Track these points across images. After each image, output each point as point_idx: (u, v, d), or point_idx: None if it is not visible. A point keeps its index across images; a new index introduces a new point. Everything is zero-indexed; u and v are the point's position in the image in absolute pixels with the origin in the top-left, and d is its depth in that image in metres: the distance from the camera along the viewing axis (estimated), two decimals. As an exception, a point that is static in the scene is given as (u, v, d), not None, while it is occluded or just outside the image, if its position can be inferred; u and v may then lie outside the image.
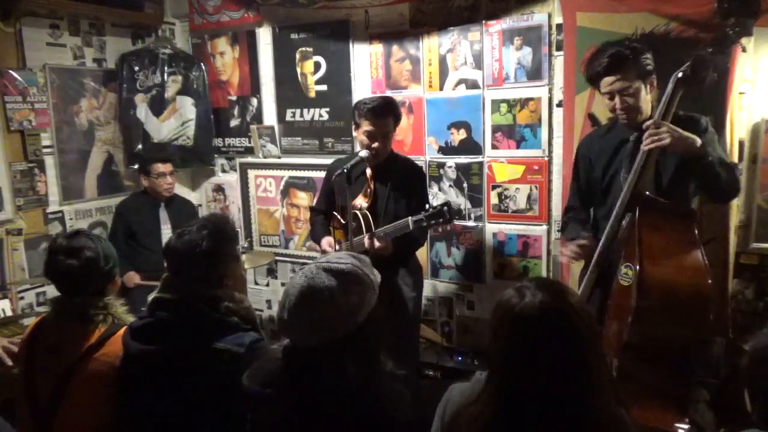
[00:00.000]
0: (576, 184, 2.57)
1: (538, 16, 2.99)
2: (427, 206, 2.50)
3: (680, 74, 2.04)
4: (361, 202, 2.73)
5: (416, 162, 3.01)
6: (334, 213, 2.86)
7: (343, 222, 2.77)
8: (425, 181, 2.92)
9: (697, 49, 2.05)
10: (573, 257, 2.40)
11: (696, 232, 2.07)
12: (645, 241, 2.01)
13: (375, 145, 2.65)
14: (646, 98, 2.21)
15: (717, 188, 2.12)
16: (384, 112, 2.66)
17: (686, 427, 1.91)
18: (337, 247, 2.79)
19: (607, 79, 2.17)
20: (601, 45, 2.24)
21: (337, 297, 1.28)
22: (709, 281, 1.97)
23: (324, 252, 2.80)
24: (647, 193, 2.12)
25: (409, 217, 2.52)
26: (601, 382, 1.18)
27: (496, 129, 3.19)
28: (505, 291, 1.25)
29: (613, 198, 2.29)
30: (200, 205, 4.25)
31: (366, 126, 2.66)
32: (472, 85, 3.21)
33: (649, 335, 1.97)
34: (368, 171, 2.75)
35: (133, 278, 3.40)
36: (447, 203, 2.47)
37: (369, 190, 2.75)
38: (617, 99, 2.17)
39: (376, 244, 2.56)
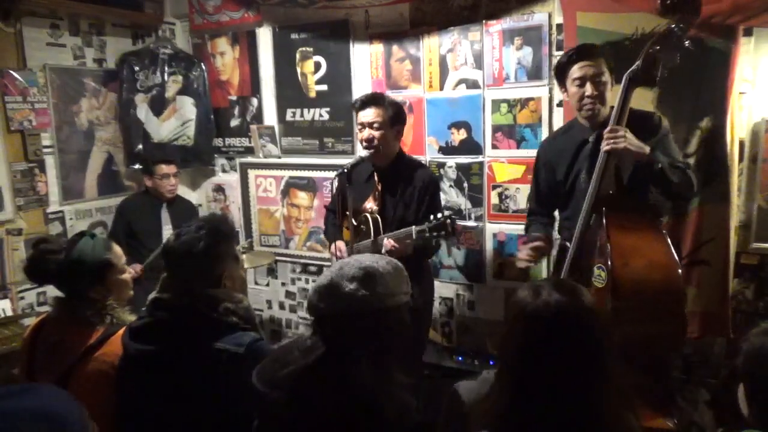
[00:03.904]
0: (536, 188, 2.59)
1: (538, 16, 2.99)
2: (431, 216, 2.45)
3: (631, 74, 2.08)
4: (371, 205, 2.73)
5: (426, 166, 3.00)
6: (347, 213, 2.86)
7: (355, 223, 2.79)
8: (437, 189, 2.86)
9: (645, 48, 2.07)
10: (528, 260, 2.41)
11: (661, 227, 2.10)
12: (614, 241, 2.00)
13: (364, 135, 2.66)
14: (610, 94, 2.24)
15: (669, 191, 2.17)
16: (369, 102, 2.69)
17: (673, 422, 1.91)
18: (343, 248, 2.79)
19: (580, 64, 2.22)
20: (601, 45, 2.25)
21: (386, 270, 1.39)
22: (680, 273, 1.99)
23: (332, 255, 2.84)
24: (611, 191, 2.12)
25: (413, 227, 2.50)
26: (611, 385, 1.17)
27: (496, 129, 3.19)
28: (520, 289, 1.24)
29: (576, 200, 2.30)
30: (200, 205, 4.24)
31: (358, 119, 2.70)
32: (473, 85, 3.21)
33: (626, 335, 1.93)
34: (375, 175, 2.75)
35: (135, 267, 3.38)
36: (450, 216, 2.42)
37: (377, 193, 2.75)
38: (588, 85, 2.22)
39: (392, 244, 2.55)
